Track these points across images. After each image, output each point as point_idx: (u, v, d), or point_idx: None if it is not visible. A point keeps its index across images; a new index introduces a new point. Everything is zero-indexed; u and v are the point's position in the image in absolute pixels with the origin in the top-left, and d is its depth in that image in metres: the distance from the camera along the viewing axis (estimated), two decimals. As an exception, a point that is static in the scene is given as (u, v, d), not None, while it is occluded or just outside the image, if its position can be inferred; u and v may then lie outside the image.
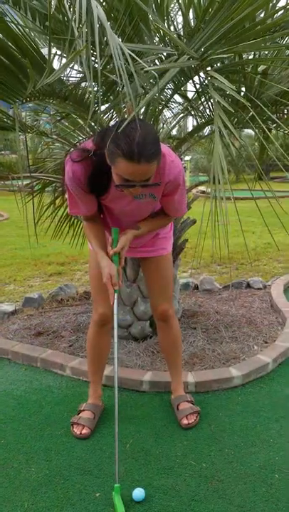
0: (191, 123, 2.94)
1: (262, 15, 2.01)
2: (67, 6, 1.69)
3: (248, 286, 4.30)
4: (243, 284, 4.28)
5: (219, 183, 1.61)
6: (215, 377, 2.46)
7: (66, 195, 1.90)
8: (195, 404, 2.22)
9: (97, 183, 1.75)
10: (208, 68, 1.99)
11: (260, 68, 2.43)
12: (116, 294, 1.81)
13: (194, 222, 3.05)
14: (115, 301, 1.81)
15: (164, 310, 2.14)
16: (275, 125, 2.70)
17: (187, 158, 14.31)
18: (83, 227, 2.04)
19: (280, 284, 4.18)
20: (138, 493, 1.68)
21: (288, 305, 3.56)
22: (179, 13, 2.27)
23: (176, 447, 1.98)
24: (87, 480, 1.79)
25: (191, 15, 2.06)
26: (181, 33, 2.13)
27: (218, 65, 2.12)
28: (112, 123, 2.21)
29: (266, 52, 2.44)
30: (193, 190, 3.28)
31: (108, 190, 1.78)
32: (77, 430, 2.07)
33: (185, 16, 2.04)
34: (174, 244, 2.93)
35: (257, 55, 2.40)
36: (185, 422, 2.12)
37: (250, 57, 2.42)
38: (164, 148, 1.69)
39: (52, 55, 1.64)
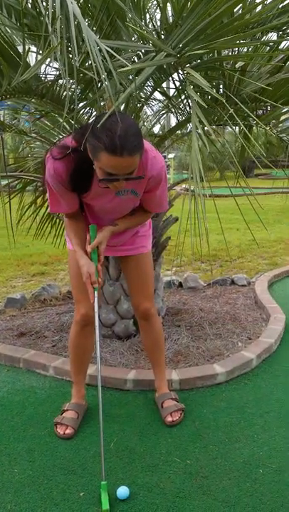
0: (174, 120, 2.94)
1: (240, 11, 2.01)
2: (41, 3, 1.67)
3: (233, 283, 4.31)
4: (228, 281, 4.30)
5: (197, 180, 1.61)
6: (199, 374, 2.46)
7: (47, 195, 1.87)
8: (179, 401, 2.22)
9: (79, 180, 1.73)
10: (187, 65, 1.99)
11: (239, 65, 2.43)
12: (96, 292, 1.80)
13: (176, 219, 3.05)
14: (95, 299, 1.80)
15: (146, 309, 2.13)
16: (255, 122, 2.71)
17: (171, 155, 14.34)
18: (64, 225, 2.03)
19: (264, 281, 4.20)
20: (122, 491, 1.67)
21: (272, 301, 3.58)
22: (158, 9, 2.25)
23: (160, 445, 1.98)
24: (71, 480, 1.78)
25: (169, 11, 2.05)
26: (160, 30, 2.11)
27: (198, 61, 2.11)
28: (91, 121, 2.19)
29: (245, 49, 2.44)
30: (177, 188, 3.28)
31: (90, 187, 1.76)
32: (60, 430, 2.05)
33: (163, 11, 2.02)
34: (157, 242, 2.92)
35: (236, 52, 2.40)
36: (169, 419, 2.11)
37: (230, 53, 2.41)
38: (146, 144, 1.68)
39: (27, 52, 1.62)
